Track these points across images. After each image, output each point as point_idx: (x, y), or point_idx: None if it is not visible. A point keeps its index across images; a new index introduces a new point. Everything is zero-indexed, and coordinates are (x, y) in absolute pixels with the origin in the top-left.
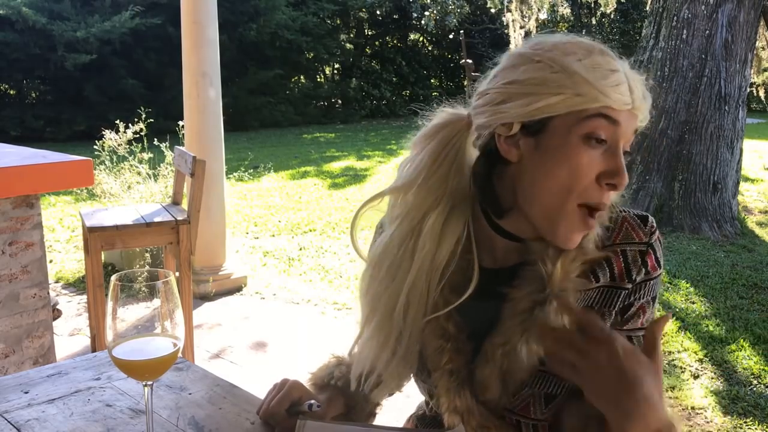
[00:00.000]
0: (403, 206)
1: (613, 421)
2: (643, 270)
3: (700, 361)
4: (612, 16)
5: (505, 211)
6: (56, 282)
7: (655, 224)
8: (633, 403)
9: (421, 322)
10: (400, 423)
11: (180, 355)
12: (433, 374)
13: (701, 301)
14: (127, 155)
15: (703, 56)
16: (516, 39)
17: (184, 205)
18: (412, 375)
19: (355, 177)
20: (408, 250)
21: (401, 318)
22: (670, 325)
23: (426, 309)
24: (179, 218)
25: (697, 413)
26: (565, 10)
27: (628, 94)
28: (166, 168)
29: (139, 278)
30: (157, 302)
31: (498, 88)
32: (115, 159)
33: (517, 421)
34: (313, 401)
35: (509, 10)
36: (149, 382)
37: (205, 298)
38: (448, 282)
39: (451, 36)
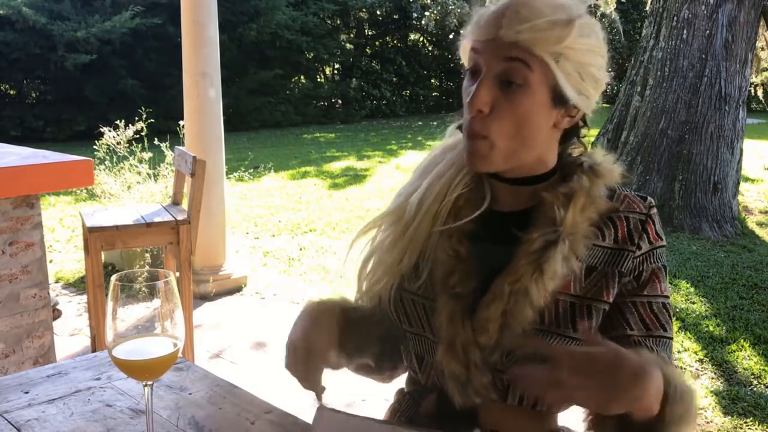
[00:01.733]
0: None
1: (627, 405)
2: (645, 237)
3: (701, 361)
4: (612, 16)
5: None
6: (56, 282)
7: (654, 203)
8: (631, 376)
9: (429, 226)
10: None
11: (180, 355)
12: (439, 300)
13: (701, 301)
14: (127, 155)
15: (704, 56)
16: None
17: (184, 205)
18: (408, 331)
19: (355, 177)
20: (434, 162)
21: (413, 210)
22: None
23: (438, 214)
24: (179, 218)
25: (697, 413)
26: None
27: (489, 28)
28: (166, 168)
29: (139, 278)
30: (157, 302)
31: None
32: (115, 159)
33: (507, 384)
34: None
35: None
36: (149, 382)
37: (205, 298)
38: (463, 195)
39: (451, 36)
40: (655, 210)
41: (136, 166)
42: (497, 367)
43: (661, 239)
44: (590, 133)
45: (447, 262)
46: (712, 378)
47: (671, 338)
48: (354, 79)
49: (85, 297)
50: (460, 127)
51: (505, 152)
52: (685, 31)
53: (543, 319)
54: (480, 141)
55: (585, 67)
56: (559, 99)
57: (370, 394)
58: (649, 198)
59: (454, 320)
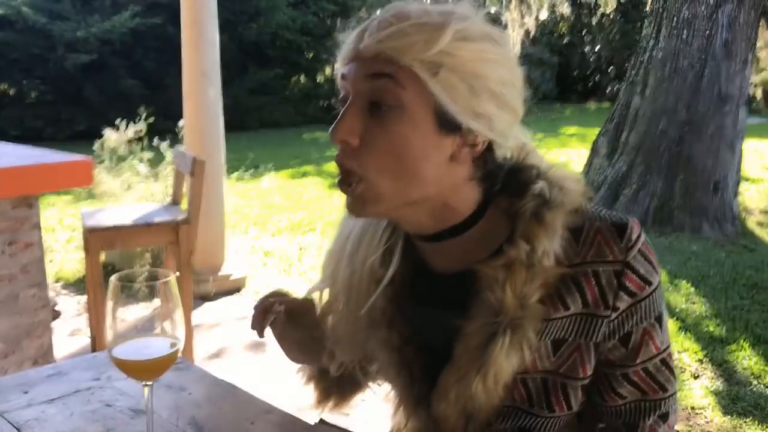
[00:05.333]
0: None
1: None
2: (624, 294)
3: (701, 361)
4: (612, 16)
5: None
6: (56, 282)
7: (635, 234)
8: None
9: (358, 313)
10: None
11: (180, 355)
12: (391, 387)
13: (702, 302)
14: (127, 155)
15: (704, 56)
16: (514, 38)
17: (184, 205)
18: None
19: None
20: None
21: (343, 298)
22: (671, 326)
23: (362, 294)
24: (179, 218)
25: (697, 413)
26: (564, 9)
27: (351, 46)
28: (166, 168)
29: (139, 278)
30: (156, 302)
31: None
32: (115, 159)
33: None
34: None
35: (508, 10)
36: (149, 383)
37: (205, 298)
38: (385, 255)
39: None
40: (636, 250)
41: (136, 166)
42: None
43: (651, 282)
44: (589, 133)
45: (383, 355)
46: (712, 378)
47: (673, 393)
48: None
49: (84, 297)
50: None
51: (388, 194)
52: (685, 31)
53: (513, 397)
54: (356, 182)
55: (478, 79)
56: (446, 123)
57: (370, 395)
58: (628, 230)
59: (408, 411)
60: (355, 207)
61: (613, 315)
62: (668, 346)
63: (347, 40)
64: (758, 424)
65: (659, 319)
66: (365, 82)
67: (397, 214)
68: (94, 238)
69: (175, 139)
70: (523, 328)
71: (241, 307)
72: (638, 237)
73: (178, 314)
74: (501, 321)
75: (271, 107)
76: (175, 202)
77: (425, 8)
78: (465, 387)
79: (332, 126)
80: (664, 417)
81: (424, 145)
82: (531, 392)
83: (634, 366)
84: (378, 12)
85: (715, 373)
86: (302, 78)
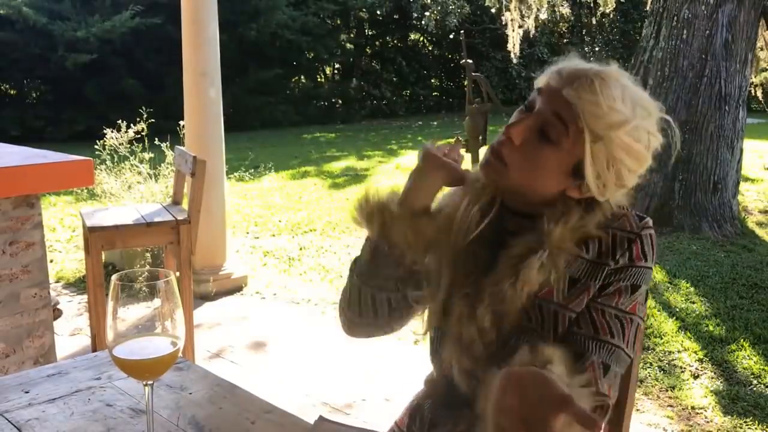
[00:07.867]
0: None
1: None
2: (627, 254)
3: (700, 360)
4: (612, 16)
5: None
6: (57, 282)
7: (650, 223)
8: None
9: (458, 246)
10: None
11: (180, 354)
12: (453, 298)
13: (701, 301)
14: (127, 155)
15: (704, 56)
16: (514, 38)
17: (185, 204)
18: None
19: (356, 177)
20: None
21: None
22: (671, 325)
23: (466, 231)
24: (180, 218)
25: (697, 413)
26: (564, 10)
27: (567, 78)
28: (167, 168)
29: (140, 278)
30: (157, 302)
31: None
32: (115, 159)
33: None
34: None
35: (508, 10)
36: (149, 382)
37: (205, 298)
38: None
39: (451, 36)
40: (649, 231)
41: (137, 166)
42: (499, 359)
43: (645, 260)
44: None
45: (467, 261)
46: (712, 377)
47: (620, 348)
48: (354, 78)
49: (85, 297)
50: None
51: (515, 183)
52: (685, 31)
53: (530, 319)
54: (499, 162)
55: (616, 161)
56: (576, 173)
57: (370, 394)
58: (646, 219)
59: (462, 319)
60: (489, 173)
61: (612, 265)
62: (630, 315)
63: (564, 70)
64: (758, 424)
65: (634, 290)
66: (550, 113)
67: (504, 191)
68: (95, 237)
69: (176, 139)
70: (559, 257)
71: (242, 306)
72: (651, 226)
73: (179, 314)
74: (544, 244)
75: (271, 107)
76: (176, 201)
77: (623, 86)
78: (498, 290)
79: (513, 122)
80: (606, 368)
81: (554, 175)
82: (544, 318)
83: (597, 303)
84: (585, 61)
85: (714, 373)
86: (302, 78)
